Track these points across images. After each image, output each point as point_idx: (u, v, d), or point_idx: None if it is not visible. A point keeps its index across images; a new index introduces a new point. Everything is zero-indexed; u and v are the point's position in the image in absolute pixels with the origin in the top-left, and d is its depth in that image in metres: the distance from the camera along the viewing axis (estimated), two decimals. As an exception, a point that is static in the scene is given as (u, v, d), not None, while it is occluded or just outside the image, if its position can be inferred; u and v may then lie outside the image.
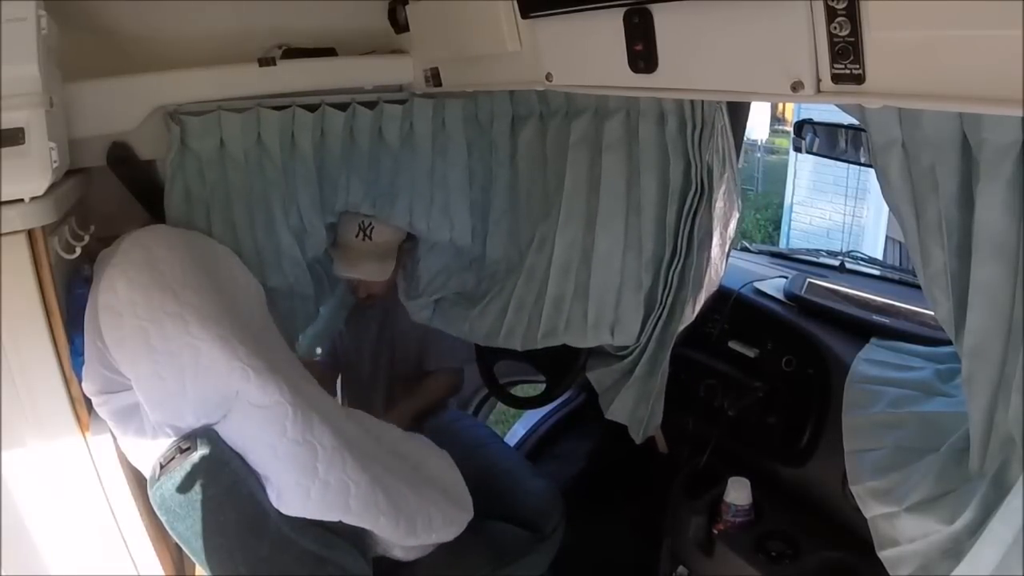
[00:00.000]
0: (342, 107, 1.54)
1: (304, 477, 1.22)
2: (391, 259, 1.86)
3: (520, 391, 2.12)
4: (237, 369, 1.15)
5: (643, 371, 1.65)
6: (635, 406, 1.67)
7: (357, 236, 1.80)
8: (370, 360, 2.13)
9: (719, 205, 1.50)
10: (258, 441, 1.20)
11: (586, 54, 1.07)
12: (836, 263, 2.01)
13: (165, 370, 1.12)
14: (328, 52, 1.55)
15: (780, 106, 8.17)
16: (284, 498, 1.23)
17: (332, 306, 1.91)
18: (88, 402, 1.18)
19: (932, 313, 1.08)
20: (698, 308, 1.58)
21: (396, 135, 1.62)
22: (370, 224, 1.79)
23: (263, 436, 1.19)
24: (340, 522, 1.38)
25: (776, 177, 8.77)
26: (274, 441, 1.19)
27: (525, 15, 1.13)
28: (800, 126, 1.98)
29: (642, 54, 0.93)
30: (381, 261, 1.84)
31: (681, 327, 1.58)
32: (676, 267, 1.57)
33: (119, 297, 1.13)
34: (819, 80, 0.74)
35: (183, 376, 1.13)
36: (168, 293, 1.15)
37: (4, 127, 1.02)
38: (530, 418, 2.46)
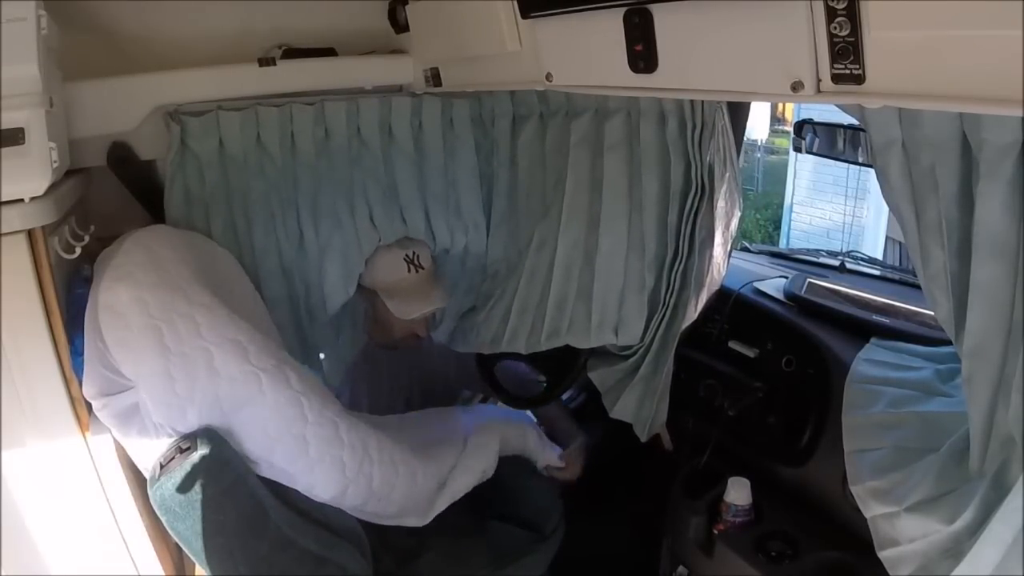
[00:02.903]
0: None
1: (334, 447, 1.25)
2: (441, 279, 1.78)
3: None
4: (249, 373, 1.16)
5: (647, 370, 1.65)
6: (640, 405, 1.67)
7: (410, 271, 1.68)
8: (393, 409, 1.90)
9: (720, 204, 1.50)
10: (284, 436, 1.21)
11: (586, 54, 1.07)
12: (836, 263, 2.00)
13: (177, 371, 1.11)
14: (328, 52, 1.55)
15: (780, 106, 8.16)
16: (320, 481, 1.26)
17: (339, 347, 1.77)
18: (88, 402, 1.18)
19: (932, 313, 1.08)
20: (700, 307, 1.58)
21: (408, 133, 1.60)
22: (415, 253, 1.69)
23: (289, 429, 1.21)
24: (340, 521, 1.38)
25: (776, 177, 8.77)
26: (301, 431, 1.21)
27: (525, 15, 1.13)
28: (800, 126, 1.98)
29: (642, 54, 0.93)
30: (440, 284, 1.75)
31: (684, 326, 1.58)
32: (679, 267, 1.57)
33: (122, 298, 1.12)
34: (819, 80, 0.74)
35: (195, 378, 1.13)
36: (178, 293, 1.15)
37: (4, 127, 1.02)
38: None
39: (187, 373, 1.12)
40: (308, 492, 1.27)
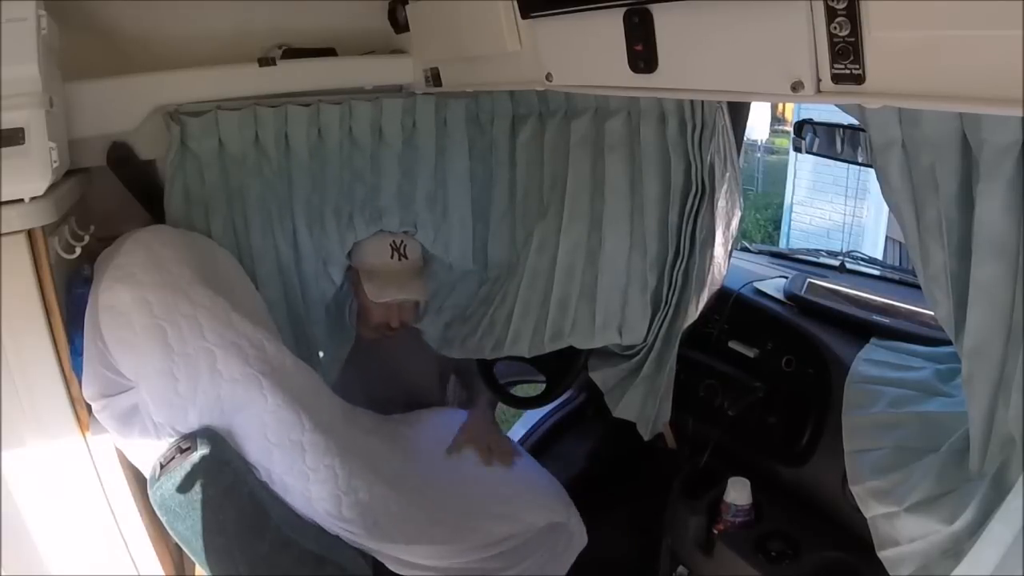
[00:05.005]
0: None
1: (328, 457, 1.26)
2: (424, 275, 1.79)
3: (520, 391, 2.12)
4: (250, 376, 1.16)
5: (650, 369, 1.65)
6: (643, 404, 1.67)
7: (393, 257, 1.70)
8: (383, 401, 1.84)
9: (721, 204, 1.50)
10: (283, 442, 1.21)
11: (586, 54, 1.07)
12: (836, 263, 2.00)
13: (180, 371, 1.12)
14: (328, 52, 1.55)
15: (780, 106, 8.16)
16: (316, 492, 1.25)
17: (333, 346, 1.75)
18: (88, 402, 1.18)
19: (932, 313, 1.08)
20: (702, 306, 1.58)
21: (398, 133, 1.60)
22: (402, 242, 1.71)
23: (288, 435, 1.21)
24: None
25: (776, 177, 8.77)
26: (299, 437, 1.22)
27: (525, 15, 1.13)
28: (800, 126, 1.98)
29: (642, 54, 0.93)
30: (422, 278, 1.76)
31: (686, 325, 1.58)
32: (680, 267, 1.57)
33: (123, 298, 1.12)
34: (819, 80, 0.74)
35: (197, 379, 1.13)
36: (180, 294, 1.15)
37: (4, 127, 1.02)
38: (530, 418, 2.46)
39: (190, 374, 1.12)
40: (308, 504, 1.27)
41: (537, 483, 1.70)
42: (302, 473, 1.24)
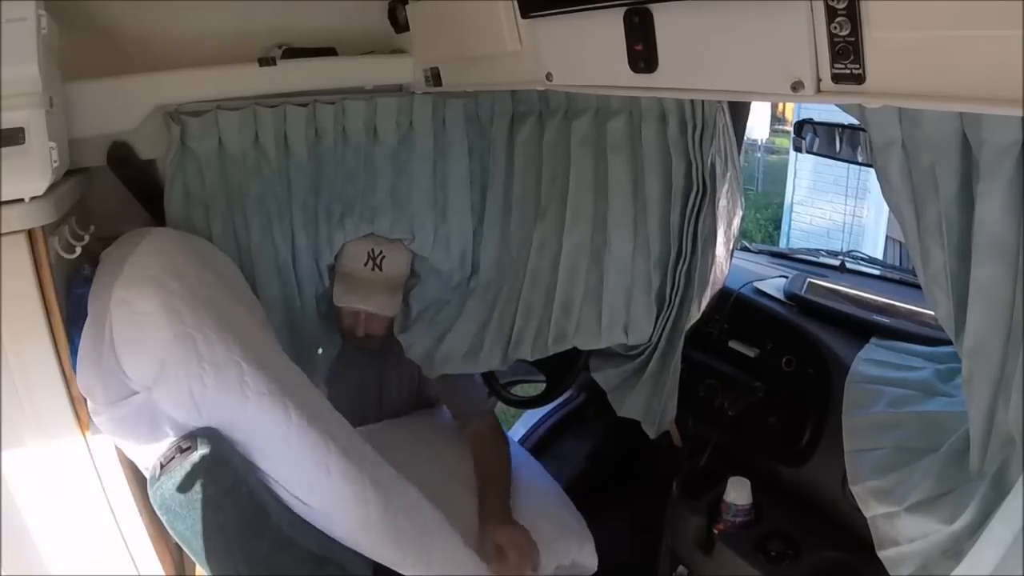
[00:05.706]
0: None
1: (352, 482, 1.22)
2: (399, 293, 1.74)
3: (520, 391, 2.12)
4: (276, 392, 1.13)
5: (655, 368, 1.65)
6: (649, 403, 1.67)
7: (366, 265, 1.67)
8: (360, 413, 1.79)
9: (722, 204, 1.50)
10: (306, 464, 1.18)
11: (586, 54, 1.07)
12: (836, 263, 2.01)
13: (210, 379, 1.09)
14: (328, 52, 1.55)
15: (780, 106, 8.18)
16: (340, 511, 1.22)
17: (325, 345, 1.74)
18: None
19: (932, 313, 1.08)
20: (704, 306, 1.58)
21: (393, 133, 1.59)
22: (381, 253, 1.67)
23: (311, 458, 1.18)
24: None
25: (776, 177, 8.78)
26: (322, 459, 1.18)
27: (525, 15, 1.13)
28: (800, 126, 1.98)
29: (642, 54, 0.93)
30: (392, 295, 1.72)
31: (689, 324, 1.58)
32: (683, 267, 1.57)
33: (146, 300, 1.09)
34: (819, 80, 0.74)
35: (226, 388, 1.11)
36: (200, 302, 1.13)
37: (4, 127, 1.02)
38: (530, 418, 2.46)
39: (219, 383, 1.09)
40: (326, 524, 1.23)
41: (556, 517, 1.67)
42: (326, 493, 1.20)
